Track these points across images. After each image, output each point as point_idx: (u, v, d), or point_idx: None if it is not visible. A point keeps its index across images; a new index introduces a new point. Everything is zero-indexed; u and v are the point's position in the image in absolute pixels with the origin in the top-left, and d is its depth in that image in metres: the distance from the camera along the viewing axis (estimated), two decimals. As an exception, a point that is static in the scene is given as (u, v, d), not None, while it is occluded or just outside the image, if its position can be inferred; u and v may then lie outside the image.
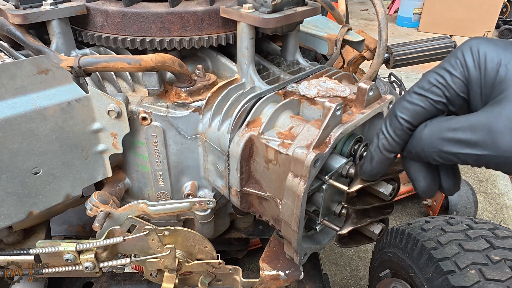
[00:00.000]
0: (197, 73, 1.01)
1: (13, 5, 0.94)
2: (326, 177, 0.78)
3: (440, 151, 0.51)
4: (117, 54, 1.04)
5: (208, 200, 0.98)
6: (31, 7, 0.94)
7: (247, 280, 1.09)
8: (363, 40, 1.26)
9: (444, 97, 0.52)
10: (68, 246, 0.91)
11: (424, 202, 2.67)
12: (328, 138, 0.75)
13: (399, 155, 0.61)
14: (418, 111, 0.53)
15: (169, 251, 0.98)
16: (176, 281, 1.06)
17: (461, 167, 3.36)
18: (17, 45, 1.01)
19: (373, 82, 0.81)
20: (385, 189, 0.72)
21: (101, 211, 0.95)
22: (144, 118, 0.95)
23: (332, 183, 0.77)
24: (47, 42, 1.00)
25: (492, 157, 0.46)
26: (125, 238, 0.94)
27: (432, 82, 0.52)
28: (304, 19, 1.04)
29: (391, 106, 0.84)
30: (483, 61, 0.49)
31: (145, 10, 0.95)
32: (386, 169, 0.61)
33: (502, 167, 0.47)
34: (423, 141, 0.53)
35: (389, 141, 0.56)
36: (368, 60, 1.46)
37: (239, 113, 0.91)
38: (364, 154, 0.82)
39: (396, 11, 8.18)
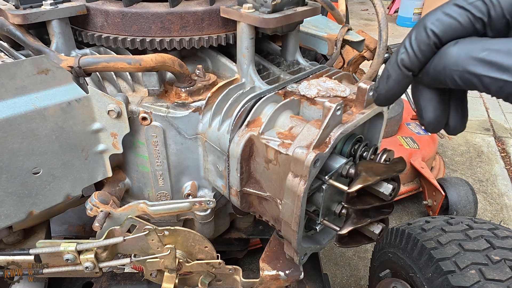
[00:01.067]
0: (197, 73, 1.01)
1: (13, 5, 0.94)
2: (326, 177, 0.78)
3: (464, 71, 0.45)
4: (117, 54, 1.04)
5: (208, 200, 0.98)
6: (31, 7, 0.94)
7: (247, 280, 1.09)
8: (363, 40, 1.26)
9: (487, 15, 0.46)
10: (68, 246, 0.91)
11: (424, 202, 2.67)
12: (328, 138, 0.75)
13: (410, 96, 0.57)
14: (453, 26, 0.47)
15: (169, 251, 0.98)
16: (176, 281, 1.06)
17: (462, 167, 3.36)
18: (17, 45, 1.01)
19: (373, 82, 0.81)
20: (385, 189, 0.72)
21: (101, 211, 0.95)
22: (144, 118, 0.95)
23: (332, 183, 0.77)
24: (47, 42, 1.00)
25: None
26: (125, 238, 0.94)
27: None
28: (304, 19, 1.04)
29: (393, 105, 0.83)
30: None
31: (145, 10, 0.95)
32: (403, 90, 0.55)
33: None
34: (448, 57, 0.47)
35: (410, 56, 0.50)
36: (368, 60, 1.46)
37: (239, 113, 0.91)
38: (365, 154, 0.82)
39: (396, 11, 8.18)
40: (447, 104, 0.55)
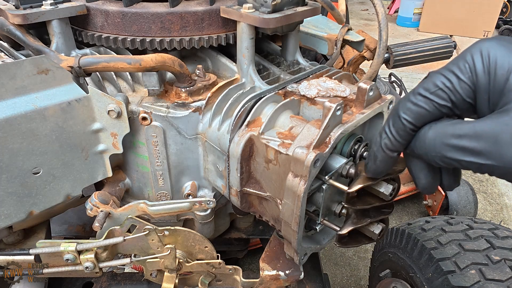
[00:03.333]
0: (197, 73, 1.01)
1: (13, 5, 0.94)
2: (326, 177, 0.78)
3: (443, 156, 0.50)
4: (117, 54, 1.04)
5: (208, 200, 0.98)
6: (31, 7, 0.94)
7: (247, 280, 1.09)
8: (363, 40, 1.26)
9: (449, 101, 0.51)
10: (68, 246, 0.91)
11: (424, 202, 2.67)
12: (328, 138, 0.75)
13: (402, 154, 0.61)
14: (422, 113, 0.52)
15: (169, 251, 0.98)
16: (176, 281, 1.06)
17: (461, 167, 3.36)
18: (17, 45, 1.01)
19: (373, 82, 0.81)
20: (385, 189, 0.72)
21: (101, 211, 0.95)
22: (144, 118, 0.95)
23: (332, 183, 0.77)
24: (47, 42, 1.00)
25: (495, 167, 0.46)
26: (125, 238, 0.94)
27: (438, 85, 0.51)
28: (304, 19, 1.04)
29: (393, 105, 0.84)
30: (493, 66, 0.47)
31: (145, 10, 0.95)
32: (391, 166, 0.61)
33: (506, 177, 0.47)
34: (426, 144, 0.52)
35: (391, 141, 0.56)
36: (368, 60, 1.46)
37: (239, 113, 0.91)
38: (365, 154, 0.82)
39: (396, 11, 8.18)
40: (437, 171, 0.59)
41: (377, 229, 0.78)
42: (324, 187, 0.79)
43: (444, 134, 0.50)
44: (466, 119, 0.53)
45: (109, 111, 0.89)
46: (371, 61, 1.34)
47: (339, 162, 0.79)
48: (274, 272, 1.04)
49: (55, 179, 0.89)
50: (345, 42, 1.25)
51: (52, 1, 0.94)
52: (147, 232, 0.94)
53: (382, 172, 0.63)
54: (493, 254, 1.18)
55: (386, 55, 1.53)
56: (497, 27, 7.10)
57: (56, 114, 0.84)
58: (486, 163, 0.46)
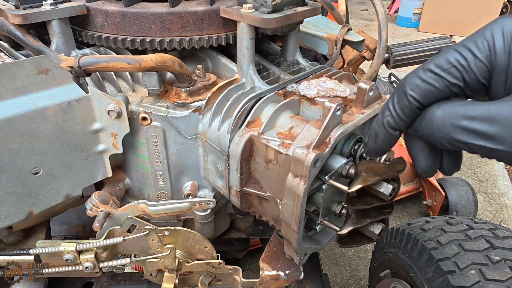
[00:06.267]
0: (197, 73, 1.01)
1: (13, 5, 0.94)
2: (326, 177, 0.78)
3: (450, 138, 0.47)
4: (117, 54, 1.04)
5: (208, 200, 0.98)
6: (31, 7, 0.94)
7: (247, 280, 1.09)
8: (363, 40, 1.26)
9: (461, 81, 0.47)
10: (68, 246, 0.91)
11: (424, 202, 2.67)
12: (328, 138, 0.75)
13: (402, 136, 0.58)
14: (431, 91, 0.48)
15: (169, 251, 0.98)
16: (176, 281, 1.06)
17: (462, 167, 3.36)
18: (17, 45, 1.01)
19: (373, 82, 0.81)
20: (385, 189, 0.72)
21: (101, 211, 0.95)
22: (144, 118, 0.95)
23: (332, 183, 0.77)
24: (47, 42, 1.00)
25: (507, 153, 0.43)
26: (125, 238, 0.94)
27: (452, 62, 0.46)
28: (304, 19, 1.04)
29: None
30: None
31: (145, 10, 0.95)
32: (391, 146, 0.58)
33: None
34: (434, 124, 0.48)
35: (395, 119, 0.52)
36: (368, 60, 1.46)
37: (239, 113, 0.91)
38: (365, 154, 0.82)
39: (396, 11, 8.17)
40: (438, 153, 0.56)
41: (377, 229, 0.78)
42: (324, 187, 0.79)
43: (454, 114, 0.46)
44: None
45: (109, 111, 0.89)
46: (371, 61, 1.34)
47: (339, 162, 0.79)
48: (274, 272, 1.04)
49: (55, 179, 0.89)
50: (345, 42, 1.25)
51: (52, 1, 0.94)
52: (147, 232, 0.94)
53: (382, 151, 0.59)
54: (493, 254, 1.18)
55: (386, 55, 1.53)
56: (497, 27, 7.08)
57: (56, 114, 0.84)
58: (497, 148, 0.43)
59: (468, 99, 0.48)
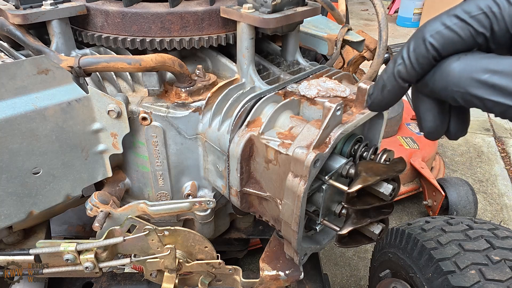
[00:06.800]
0: (197, 73, 1.01)
1: (13, 5, 0.94)
2: (326, 177, 0.78)
3: (466, 93, 0.43)
4: (117, 54, 1.04)
5: (208, 200, 0.98)
6: (31, 7, 0.94)
7: (247, 280, 1.09)
8: (363, 40, 1.26)
9: (489, 30, 0.43)
10: (68, 246, 0.91)
11: (424, 202, 2.67)
12: (328, 138, 0.75)
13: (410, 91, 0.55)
14: (454, 39, 0.44)
15: (169, 251, 0.98)
16: (176, 281, 1.06)
17: (462, 168, 3.36)
18: (17, 45, 1.01)
19: (373, 82, 0.81)
20: (385, 189, 0.72)
21: (101, 211, 0.95)
22: (144, 118, 0.95)
23: (332, 183, 0.77)
24: (47, 42, 1.00)
25: None
26: (125, 238, 0.94)
27: (483, 8, 0.43)
28: (304, 19, 1.04)
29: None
30: None
31: (145, 10, 0.95)
32: (398, 99, 0.54)
33: None
34: (450, 77, 0.44)
35: (407, 68, 0.48)
36: (368, 60, 1.46)
37: (239, 113, 0.91)
38: (365, 154, 0.82)
39: (396, 11, 8.17)
40: (447, 113, 0.53)
41: (377, 229, 0.78)
42: (324, 187, 0.79)
43: (475, 67, 0.43)
44: None
45: (109, 111, 0.89)
46: (371, 61, 1.34)
47: (339, 162, 0.79)
48: (274, 272, 1.04)
49: (55, 179, 0.89)
50: (345, 42, 1.25)
51: (52, 1, 0.94)
52: (147, 232, 0.94)
53: (386, 105, 0.55)
54: (493, 254, 1.18)
55: (386, 55, 1.53)
56: (497, 27, 7.08)
57: (56, 114, 0.84)
58: None
59: (491, 53, 0.45)
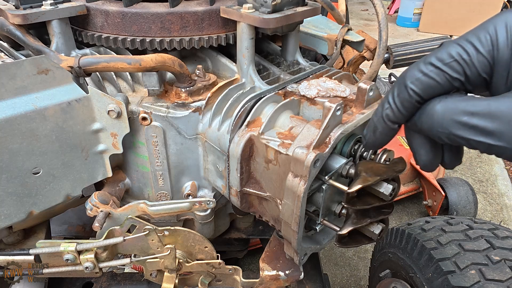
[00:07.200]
0: (197, 73, 1.01)
1: (13, 5, 0.94)
2: (326, 177, 0.78)
3: (450, 134, 0.46)
4: (117, 54, 1.04)
5: (208, 200, 0.98)
6: (31, 7, 0.94)
7: (247, 280, 1.09)
8: (363, 40, 1.26)
9: (463, 75, 0.46)
10: (68, 246, 0.91)
11: (424, 202, 2.67)
12: (328, 138, 0.75)
13: (403, 130, 0.58)
14: (432, 85, 0.48)
15: (169, 251, 0.98)
16: (176, 281, 1.06)
17: (462, 167, 3.36)
18: (17, 45, 1.01)
19: (373, 82, 0.81)
20: (385, 189, 0.72)
21: (101, 211, 0.95)
22: (144, 118, 0.95)
23: (332, 183, 0.77)
24: (47, 42, 1.00)
25: (507, 149, 0.43)
26: (125, 238, 0.94)
27: (454, 55, 0.46)
28: (304, 19, 1.04)
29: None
30: None
31: (145, 10, 0.95)
32: (390, 139, 0.57)
33: None
34: (434, 119, 0.48)
35: (394, 112, 0.52)
36: (368, 60, 1.46)
37: (239, 113, 0.91)
38: (365, 154, 0.82)
39: (396, 11, 8.17)
40: (439, 147, 0.56)
41: (377, 229, 0.78)
42: (324, 187, 0.79)
43: (455, 110, 0.46)
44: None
45: (109, 111, 0.89)
46: (371, 61, 1.34)
47: (339, 162, 0.79)
48: (274, 272, 1.04)
49: (55, 179, 0.89)
50: (345, 42, 1.25)
51: (52, 1, 0.94)
52: (147, 232, 0.94)
53: (380, 144, 0.59)
54: (493, 254, 1.18)
55: (386, 55, 1.53)
56: (497, 27, 7.07)
57: (56, 114, 0.84)
58: (497, 144, 0.43)
59: (469, 94, 0.48)
